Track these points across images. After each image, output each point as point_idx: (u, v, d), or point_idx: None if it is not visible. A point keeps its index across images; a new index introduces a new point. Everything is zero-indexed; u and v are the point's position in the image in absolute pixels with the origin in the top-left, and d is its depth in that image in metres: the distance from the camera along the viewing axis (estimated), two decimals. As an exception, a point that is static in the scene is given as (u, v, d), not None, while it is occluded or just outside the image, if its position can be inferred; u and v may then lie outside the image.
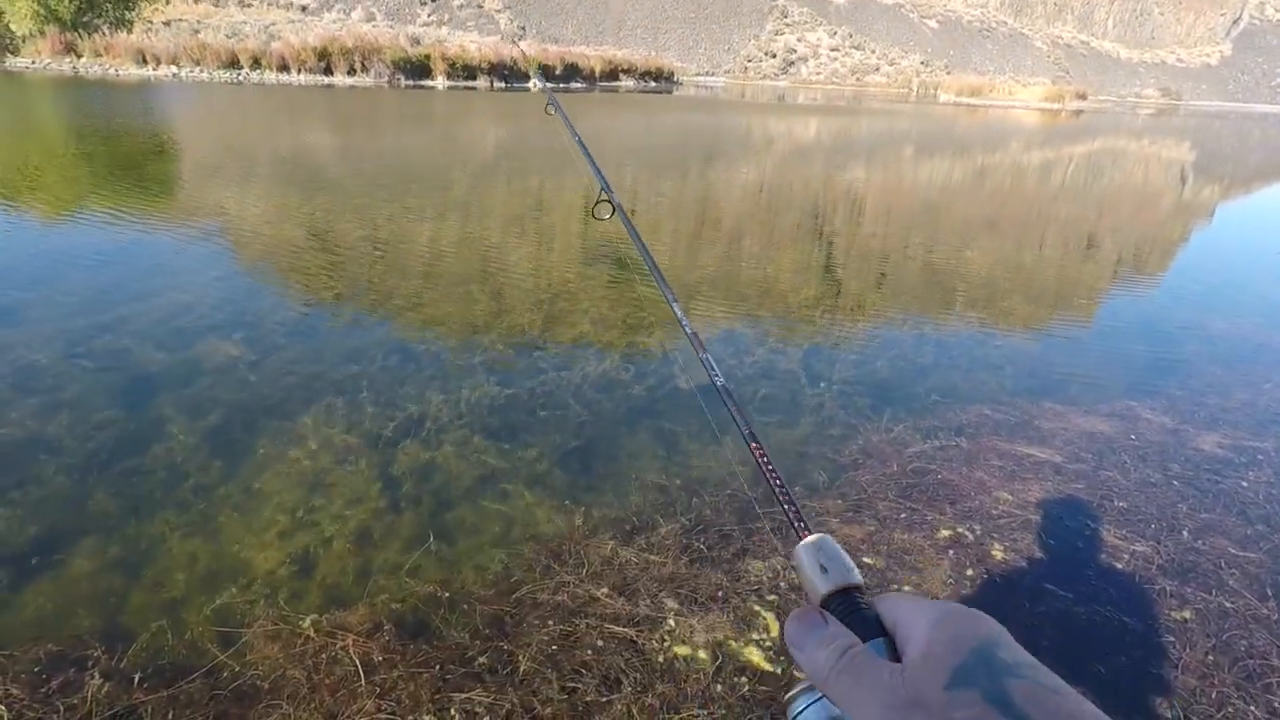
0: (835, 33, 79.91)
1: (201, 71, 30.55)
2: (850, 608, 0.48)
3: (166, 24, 36.68)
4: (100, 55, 32.58)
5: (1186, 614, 2.47)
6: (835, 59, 76.89)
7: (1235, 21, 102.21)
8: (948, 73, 74.24)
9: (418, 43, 36.54)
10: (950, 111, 38.33)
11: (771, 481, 0.64)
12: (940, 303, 5.95)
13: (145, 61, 31.32)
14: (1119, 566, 2.71)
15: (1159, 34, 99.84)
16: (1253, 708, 2.11)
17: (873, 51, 79.14)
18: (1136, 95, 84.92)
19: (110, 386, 3.69)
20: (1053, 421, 3.83)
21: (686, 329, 1.11)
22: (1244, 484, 3.31)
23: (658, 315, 5.31)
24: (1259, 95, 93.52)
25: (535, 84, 37.10)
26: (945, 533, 2.85)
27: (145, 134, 13.75)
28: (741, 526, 2.78)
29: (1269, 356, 5.03)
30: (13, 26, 36.53)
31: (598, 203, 1.76)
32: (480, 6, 69.27)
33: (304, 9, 59.56)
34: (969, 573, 2.63)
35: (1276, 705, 2.13)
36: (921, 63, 78.78)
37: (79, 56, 33.30)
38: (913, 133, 24.37)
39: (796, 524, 0.59)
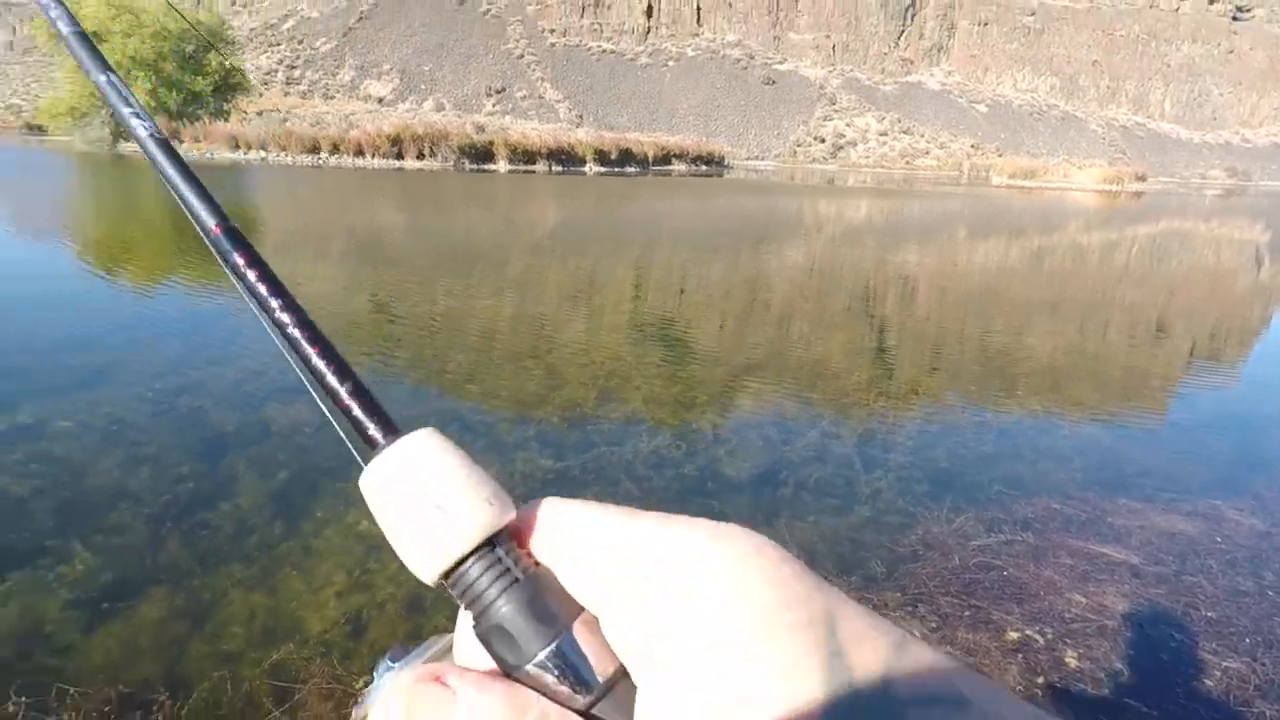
0: (883, 118, 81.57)
1: (286, 155, 32.86)
2: (507, 588, 0.25)
3: (259, 114, 39.86)
4: (199, 141, 35.40)
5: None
6: (884, 143, 78.22)
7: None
8: (999, 155, 74.59)
9: (482, 130, 38.71)
10: (1004, 194, 38.30)
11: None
12: (1000, 389, 5.81)
13: (238, 146, 33.89)
14: (1210, 685, 2.50)
15: (1220, 115, 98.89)
16: None
17: (922, 135, 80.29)
18: (1201, 176, 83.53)
19: (187, 444, 3.86)
20: (1128, 519, 3.64)
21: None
22: (1346, 593, 3.06)
23: (710, 394, 5.31)
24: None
25: (590, 167, 38.65)
26: (1013, 635, 2.70)
27: (232, 211, 14.69)
28: None
29: None
30: (124, 116, 40.10)
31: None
32: (541, 97, 73.27)
33: (380, 101, 64.01)
34: (1039, 680, 2.47)
35: None
36: (972, 146, 79.46)
37: (181, 142, 36.23)
38: (965, 214, 24.37)
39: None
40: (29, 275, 8.29)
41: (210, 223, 0.32)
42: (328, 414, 0.29)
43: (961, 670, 0.23)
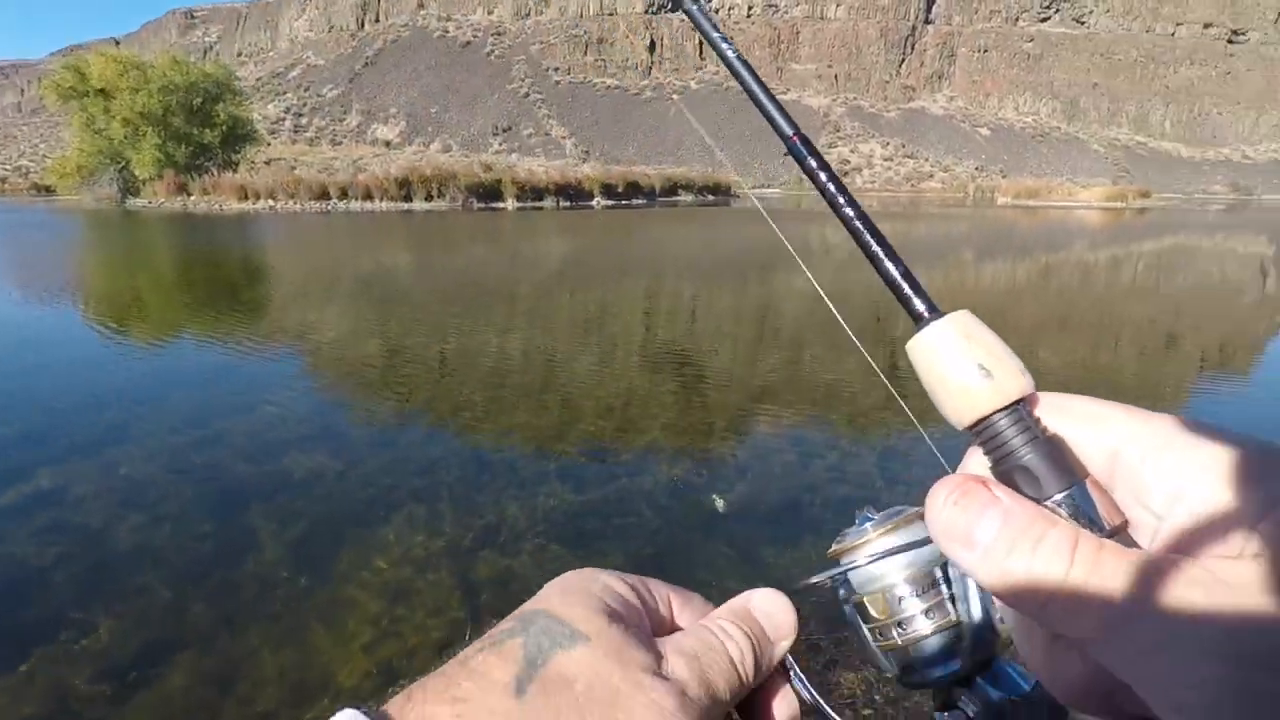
0: (888, 144, 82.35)
1: (295, 204, 33.45)
2: (1031, 440, 0.29)
3: (267, 163, 40.70)
4: (208, 193, 36.10)
5: None
6: (889, 168, 78.85)
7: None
8: (1004, 177, 74.94)
9: (490, 169, 39.33)
10: (1009, 214, 38.40)
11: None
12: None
13: (246, 196, 34.52)
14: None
15: (1220, 133, 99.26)
16: None
17: (926, 159, 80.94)
18: (1204, 192, 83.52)
19: (207, 499, 3.89)
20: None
21: None
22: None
23: (726, 420, 5.32)
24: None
25: (598, 201, 39.09)
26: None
27: (241, 262, 15.00)
28: (830, 636, 2.67)
29: None
30: (136, 171, 41.11)
31: None
32: (548, 134, 74.48)
33: (388, 144, 65.22)
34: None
35: None
36: (976, 168, 79.94)
37: (189, 195, 36.96)
38: (972, 235, 24.44)
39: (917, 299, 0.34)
40: (39, 335, 8.45)
41: (788, 131, 0.38)
42: (885, 285, 0.35)
43: None
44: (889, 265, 0.36)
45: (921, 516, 0.32)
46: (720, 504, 3.82)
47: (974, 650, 0.37)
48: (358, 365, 6.79)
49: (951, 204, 50.23)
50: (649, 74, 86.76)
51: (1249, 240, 25.11)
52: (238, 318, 9.07)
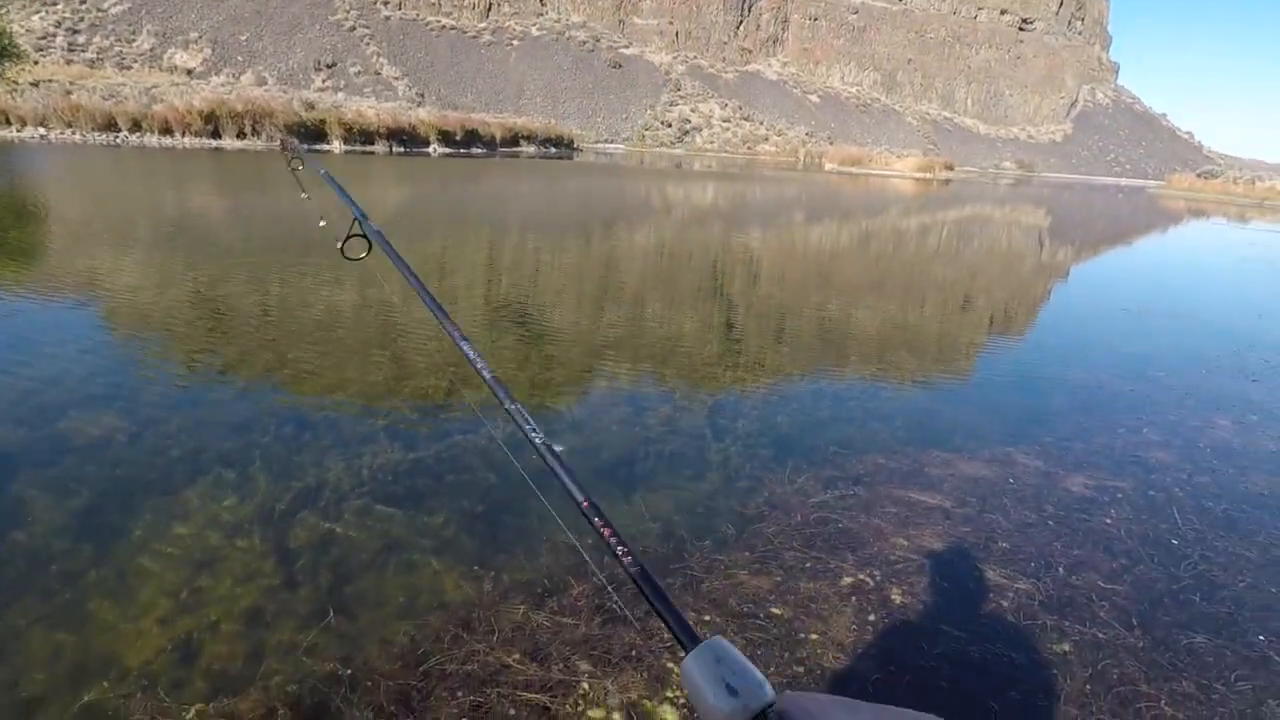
0: (726, 104, 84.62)
1: (74, 134, 28.90)
2: None
3: (34, 84, 34.59)
4: (-42, 114, 30.26)
5: (1066, 646, 2.65)
6: (727, 129, 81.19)
7: (1073, 104, 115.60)
8: (830, 143, 79.80)
9: (312, 107, 36.01)
10: (835, 180, 41.04)
11: (639, 585, 0.49)
12: (834, 359, 6.27)
13: (9, 122, 29.34)
14: (1004, 605, 2.88)
15: (1011, 113, 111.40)
16: (1128, 727, 2.27)
17: (761, 123, 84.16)
18: (997, 167, 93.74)
19: (-40, 468, 3.34)
20: (940, 468, 4.07)
21: (486, 375, 0.94)
22: (1108, 521, 3.61)
23: (567, 375, 5.34)
24: (1097, 168, 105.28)
25: (435, 148, 37.19)
26: (848, 580, 2.96)
27: (4, 197, 12.82)
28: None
29: (1121, 403, 5.56)
30: None
31: (349, 237, 1.54)
32: (378, 74, 69.32)
33: (190, 73, 57.83)
34: (871, 618, 2.73)
35: (1148, 723, 2.30)
36: (807, 134, 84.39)
37: (-67, 114, 30.79)
38: (802, 199, 25.88)
39: (678, 631, 0.43)
40: None
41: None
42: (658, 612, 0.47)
43: None
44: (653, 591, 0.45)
45: None
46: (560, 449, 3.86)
47: None
48: (157, 318, 6.07)
49: (784, 167, 52.85)
50: (487, 16, 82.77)
51: (1030, 212, 28.58)
52: (3, 262, 7.77)
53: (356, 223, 1.39)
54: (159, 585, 2.60)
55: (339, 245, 1.55)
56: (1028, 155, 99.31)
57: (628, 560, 0.55)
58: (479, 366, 0.91)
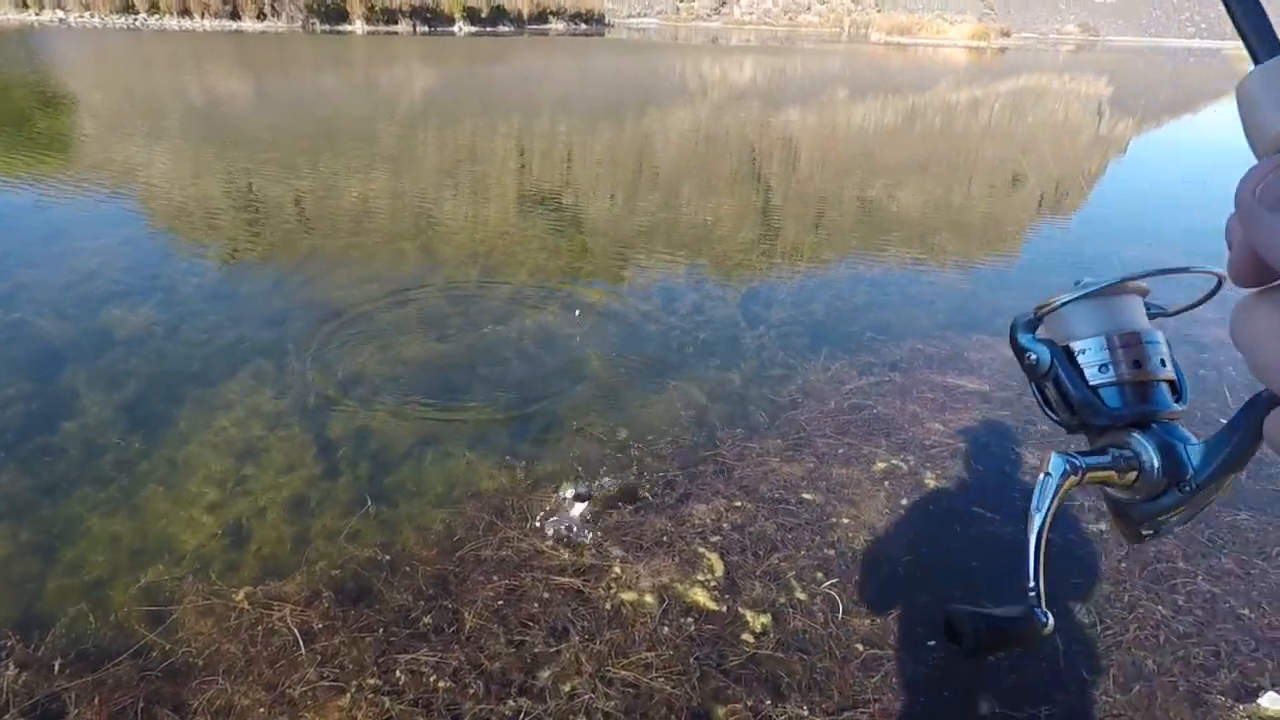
0: (767, -29, 78.65)
1: (93, 17, 28.23)
2: None
3: (48, -35, 33.49)
4: (-25, 1, 29.69)
5: (1103, 525, 2.62)
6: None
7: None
8: (878, 11, 74.17)
9: (331, -16, 34.41)
10: (881, 51, 38.43)
11: None
12: (874, 243, 6.03)
13: (27, 5, 28.71)
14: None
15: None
16: (1160, 608, 2.27)
17: (804, -10, 78.33)
18: (1057, 31, 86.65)
19: (10, 361, 3.45)
20: (980, 352, 3.95)
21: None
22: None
23: (598, 264, 5.24)
24: (1170, 29, 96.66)
25: (460, 27, 35.60)
26: (881, 465, 2.93)
27: (32, 85, 12.67)
28: (685, 471, 2.80)
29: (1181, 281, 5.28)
30: None
31: None
32: (397, -56, 65.48)
33: (203, -52, 55.41)
34: (904, 502, 2.72)
35: (1180, 604, 2.28)
36: (852, 1, 78.47)
37: (-51, 2, 30.26)
38: (846, 74, 24.37)
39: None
40: None
41: None
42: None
43: None
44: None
45: (1132, 291, 0.47)
46: (577, 314, 4.11)
47: (1154, 404, 0.45)
48: (190, 209, 6.06)
49: (827, 39, 49.56)
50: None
51: (1091, 81, 26.56)
52: (36, 154, 7.77)
53: None
54: (207, 474, 2.69)
55: None
56: (1093, 17, 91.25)
57: None
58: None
